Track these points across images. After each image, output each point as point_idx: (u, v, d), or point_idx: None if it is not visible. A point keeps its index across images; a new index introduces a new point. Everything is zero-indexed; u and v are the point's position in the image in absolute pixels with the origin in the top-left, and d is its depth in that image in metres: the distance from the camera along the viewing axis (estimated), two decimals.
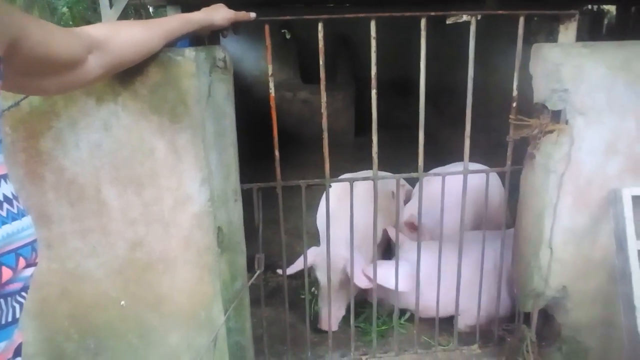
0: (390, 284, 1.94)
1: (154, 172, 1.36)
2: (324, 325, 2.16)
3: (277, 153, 1.65)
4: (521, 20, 1.58)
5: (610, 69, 1.53)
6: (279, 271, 2.13)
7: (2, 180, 0.65)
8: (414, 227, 2.32)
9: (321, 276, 2.17)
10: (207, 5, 1.36)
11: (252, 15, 1.40)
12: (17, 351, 0.69)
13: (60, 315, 1.49)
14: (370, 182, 1.77)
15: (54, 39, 0.88)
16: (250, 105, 4.78)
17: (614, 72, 1.53)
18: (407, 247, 2.23)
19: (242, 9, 1.38)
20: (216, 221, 1.44)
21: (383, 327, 2.25)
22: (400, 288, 1.93)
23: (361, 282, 2.05)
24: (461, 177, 1.78)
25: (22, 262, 0.65)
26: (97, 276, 1.45)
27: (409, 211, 2.50)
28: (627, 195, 1.59)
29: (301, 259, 2.00)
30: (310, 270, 2.19)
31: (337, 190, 2.19)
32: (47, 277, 1.43)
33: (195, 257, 1.45)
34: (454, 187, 1.90)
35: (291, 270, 2.06)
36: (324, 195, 2.51)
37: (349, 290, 2.07)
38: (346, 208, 1.82)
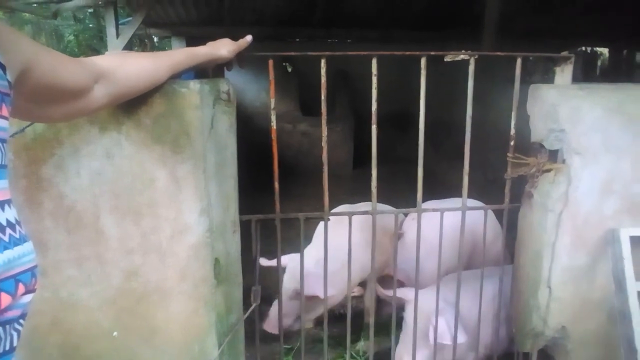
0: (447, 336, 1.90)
1: (154, 201, 1.36)
2: (265, 325, 2.27)
3: (276, 185, 1.66)
4: (518, 61, 1.63)
5: (606, 110, 1.56)
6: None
7: (6, 205, 0.65)
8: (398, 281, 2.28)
9: (286, 279, 2.30)
10: (211, 37, 1.39)
11: (249, 37, 1.42)
12: None
13: (50, 346, 1.45)
14: (359, 215, 1.77)
15: (62, 67, 0.89)
16: (250, 137, 4.82)
17: (609, 114, 1.56)
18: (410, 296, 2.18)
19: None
20: (214, 252, 1.43)
21: None
22: (459, 340, 1.90)
23: (310, 288, 2.08)
24: (445, 215, 1.78)
25: (21, 288, 0.65)
26: (90, 306, 1.43)
27: (404, 248, 2.46)
28: (624, 236, 1.59)
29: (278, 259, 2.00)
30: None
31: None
32: (39, 305, 1.41)
33: (191, 288, 1.43)
34: (435, 229, 1.82)
35: (265, 263, 2.16)
36: (318, 228, 2.53)
37: (307, 306, 2.08)
38: (334, 233, 1.81)
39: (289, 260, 2.32)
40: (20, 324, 0.67)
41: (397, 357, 2.01)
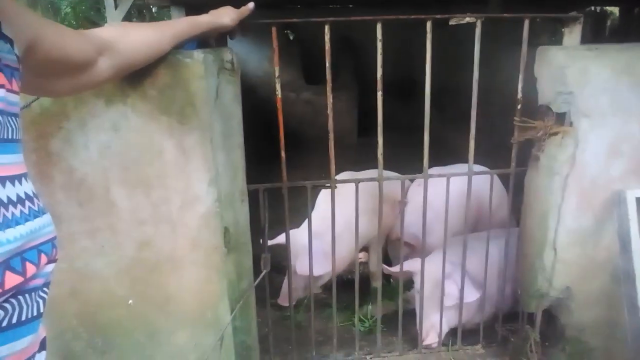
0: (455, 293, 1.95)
1: (163, 172, 1.37)
2: (280, 300, 2.34)
3: (283, 154, 1.66)
4: (526, 23, 1.60)
5: (614, 71, 1.54)
6: None
7: (23, 179, 0.67)
8: (406, 243, 2.31)
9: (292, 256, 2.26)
10: (210, 6, 1.37)
11: (251, 5, 1.39)
12: (43, 344, 0.71)
13: (68, 314, 1.50)
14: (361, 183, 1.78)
15: (67, 41, 0.89)
16: (253, 107, 4.79)
17: (618, 75, 1.54)
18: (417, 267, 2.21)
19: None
20: (223, 222, 1.45)
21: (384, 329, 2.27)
22: (471, 298, 1.95)
23: (300, 269, 2.12)
24: (451, 180, 1.78)
25: (44, 259, 0.67)
26: (105, 275, 1.47)
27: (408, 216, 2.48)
28: (631, 197, 1.60)
29: (283, 235, 2.04)
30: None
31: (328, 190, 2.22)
32: (56, 276, 1.42)
33: (203, 257, 1.46)
34: (442, 192, 1.84)
35: (271, 242, 2.11)
36: (319, 195, 2.56)
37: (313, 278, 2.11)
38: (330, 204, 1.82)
39: (290, 237, 2.29)
40: (45, 292, 0.69)
41: (424, 334, 2.05)
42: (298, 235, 2.07)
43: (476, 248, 1.95)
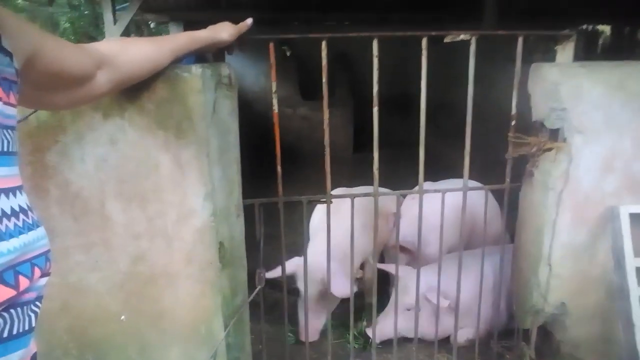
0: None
1: (159, 186, 1.37)
2: (302, 336, 2.16)
3: (279, 169, 1.66)
4: (520, 40, 1.62)
5: (608, 88, 1.56)
6: None
7: (17, 192, 0.66)
8: (404, 250, 2.33)
9: (301, 286, 2.18)
10: (209, 21, 1.39)
11: (249, 21, 1.41)
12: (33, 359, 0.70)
13: (59, 330, 1.48)
14: (357, 199, 1.78)
15: (66, 54, 0.90)
16: (250, 122, 4.81)
17: (611, 92, 1.56)
18: (403, 273, 2.23)
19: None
20: (218, 236, 1.45)
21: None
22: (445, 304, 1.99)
23: (339, 291, 2.07)
24: (445, 195, 1.79)
25: (37, 272, 0.67)
26: (99, 290, 1.45)
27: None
28: (624, 213, 1.61)
29: (280, 267, 2.01)
30: (290, 279, 2.22)
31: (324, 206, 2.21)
32: (48, 290, 1.41)
33: (197, 271, 1.45)
34: (437, 208, 1.85)
35: (270, 275, 2.09)
36: (314, 211, 2.55)
37: (329, 301, 2.08)
38: (332, 223, 1.80)
39: (296, 267, 2.22)
40: (37, 306, 0.69)
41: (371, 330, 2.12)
42: (312, 257, 1.98)
43: (467, 266, 1.96)
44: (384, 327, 2.17)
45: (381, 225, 2.44)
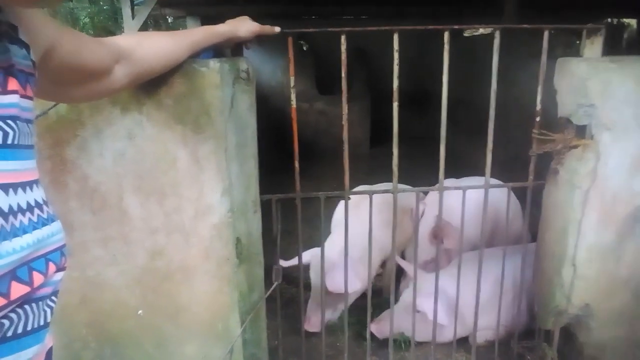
0: (430, 313, 1.93)
1: (176, 181, 1.36)
2: (306, 325, 2.19)
3: (296, 164, 1.64)
4: (546, 34, 1.57)
5: (638, 84, 1.50)
6: None
7: (34, 185, 0.65)
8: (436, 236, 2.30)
9: (313, 277, 2.18)
10: (226, 16, 1.37)
11: (277, 29, 1.41)
12: (49, 355, 0.69)
13: (78, 323, 1.49)
14: (377, 196, 1.75)
15: (85, 48, 0.89)
16: (267, 117, 4.81)
17: None
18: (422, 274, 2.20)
19: (260, 21, 1.39)
20: (235, 232, 1.44)
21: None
22: (442, 321, 1.92)
23: (332, 285, 2.07)
24: (467, 193, 1.75)
25: (52, 267, 0.66)
26: (117, 285, 1.46)
27: (427, 225, 2.47)
28: None
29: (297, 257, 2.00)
30: (306, 272, 2.23)
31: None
32: (67, 284, 1.43)
33: (215, 267, 1.44)
34: (459, 204, 1.81)
35: (286, 264, 2.11)
36: (337, 206, 2.53)
37: (341, 297, 2.06)
38: (352, 219, 1.79)
39: (311, 257, 2.26)
40: (53, 301, 0.68)
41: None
42: (327, 250, 1.98)
43: (487, 267, 1.91)
44: (384, 326, 2.13)
45: (405, 221, 2.42)
